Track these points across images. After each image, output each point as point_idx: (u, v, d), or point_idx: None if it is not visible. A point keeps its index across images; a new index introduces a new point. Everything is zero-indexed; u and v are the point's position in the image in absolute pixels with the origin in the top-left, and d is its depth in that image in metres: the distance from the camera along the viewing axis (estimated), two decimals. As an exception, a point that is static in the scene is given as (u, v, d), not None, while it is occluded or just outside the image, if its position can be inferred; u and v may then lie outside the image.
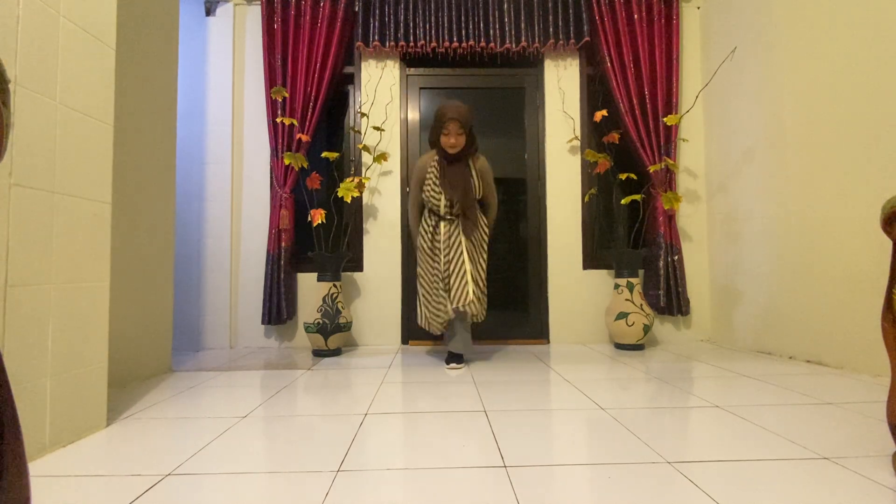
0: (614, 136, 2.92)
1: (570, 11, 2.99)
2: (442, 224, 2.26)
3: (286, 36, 2.94)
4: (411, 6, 2.96)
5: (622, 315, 2.62)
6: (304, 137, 2.87)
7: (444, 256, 2.21)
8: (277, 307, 2.84)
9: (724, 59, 2.83)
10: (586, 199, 3.04)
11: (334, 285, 2.66)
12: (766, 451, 1.15)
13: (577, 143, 3.07)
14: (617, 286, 2.71)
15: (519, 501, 0.91)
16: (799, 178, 2.30)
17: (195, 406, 1.65)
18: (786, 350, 2.38)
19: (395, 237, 3.02)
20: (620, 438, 1.25)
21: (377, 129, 2.96)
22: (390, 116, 3.04)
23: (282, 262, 2.84)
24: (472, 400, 1.66)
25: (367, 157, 2.99)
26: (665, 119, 2.86)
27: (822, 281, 2.17)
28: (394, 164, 3.03)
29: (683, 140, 3.06)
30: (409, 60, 3.12)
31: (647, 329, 2.62)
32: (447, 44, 2.95)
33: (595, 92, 3.12)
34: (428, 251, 2.28)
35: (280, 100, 2.87)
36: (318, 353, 2.65)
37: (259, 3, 3.05)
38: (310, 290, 2.97)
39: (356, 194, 2.74)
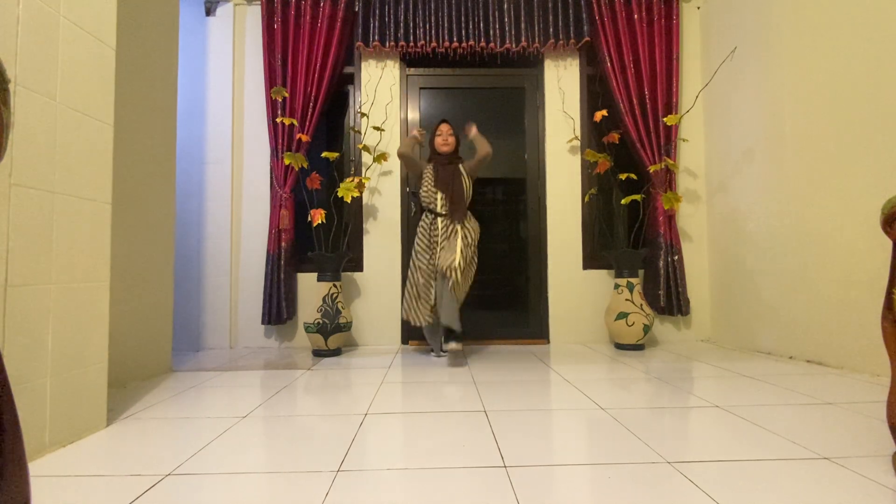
0: (614, 136, 2.92)
1: (570, 11, 2.98)
2: (439, 220, 2.46)
3: (286, 36, 2.94)
4: (411, 6, 2.96)
5: (622, 315, 2.62)
6: (304, 137, 2.87)
7: (440, 244, 2.41)
8: (277, 307, 2.84)
9: (724, 59, 2.83)
10: (586, 199, 3.04)
11: (334, 285, 2.66)
12: (766, 451, 1.15)
13: (577, 143, 3.07)
14: (617, 286, 2.71)
15: (519, 501, 0.91)
16: (799, 178, 2.30)
17: (195, 406, 1.65)
18: (786, 350, 2.38)
19: (395, 237, 3.02)
20: (620, 438, 1.25)
21: (377, 129, 2.96)
22: (390, 116, 3.04)
23: (282, 262, 2.84)
24: (471, 400, 1.66)
25: (367, 157, 2.99)
26: (665, 119, 2.86)
27: (822, 281, 2.17)
28: (394, 164, 3.03)
29: (683, 140, 3.06)
30: (409, 60, 3.12)
31: (647, 329, 2.62)
32: (447, 44, 2.95)
33: (595, 92, 3.12)
34: (425, 246, 2.45)
35: (280, 100, 2.87)
36: (318, 353, 2.65)
37: (259, 3, 3.05)
38: (310, 290, 2.97)
39: (356, 194, 2.74)
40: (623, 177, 2.86)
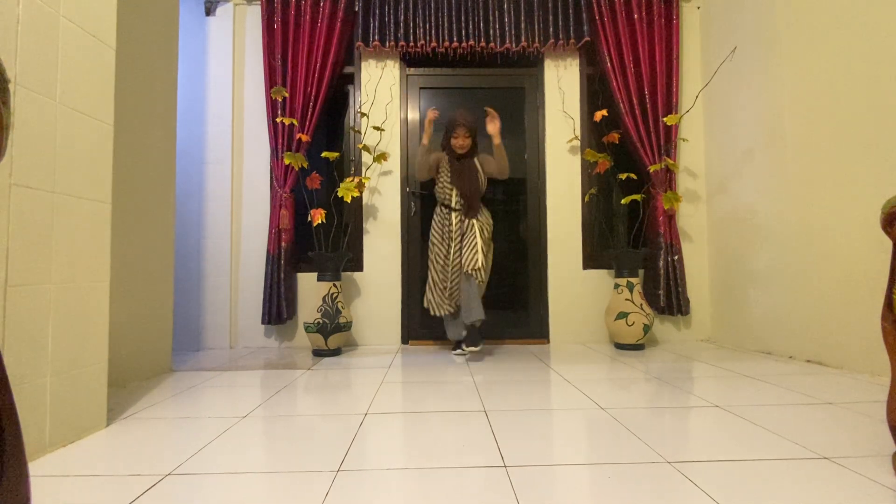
0: (614, 136, 2.92)
1: (570, 11, 2.98)
2: (453, 214, 2.53)
3: (286, 36, 2.93)
4: (411, 6, 2.96)
5: (622, 315, 2.62)
6: (304, 137, 2.87)
7: (457, 240, 2.50)
8: (277, 307, 2.84)
9: (724, 59, 2.83)
10: (586, 198, 3.04)
11: (334, 285, 2.66)
12: (766, 451, 1.15)
13: (577, 143, 3.07)
14: (617, 286, 2.71)
15: (519, 501, 0.91)
16: (799, 179, 2.30)
17: (195, 406, 1.65)
18: (786, 350, 2.38)
19: (395, 237, 3.02)
20: (620, 438, 1.25)
21: (377, 128, 2.96)
22: (390, 116, 3.04)
23: (282, 262, 2.84)
24: (472, 400, 1.66)
25: (367, 157, 2.99)
26: (665, 119, 2.86)
27: (822, 281, 2.17)
28: (394, 163, 3.03)
29: (683, 140, 3.06)
30: (409, 60, 3.12)
31: (647, 329, 2.62)
32: (447, 44, 2.95)
33: (595, 92, 3.12)
34: (439, 239, 2.55)
35: (280, 100, 2.87)
36: (318, 353, 2.65)
37: (259, 2, 3.05)
38: (310, 290, 2.97)
39: (356, 194, 2.74)
40: (623, 177, 2.86)
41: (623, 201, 2.83)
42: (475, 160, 2.56)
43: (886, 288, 1.00)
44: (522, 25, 2.98)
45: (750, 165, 2.64)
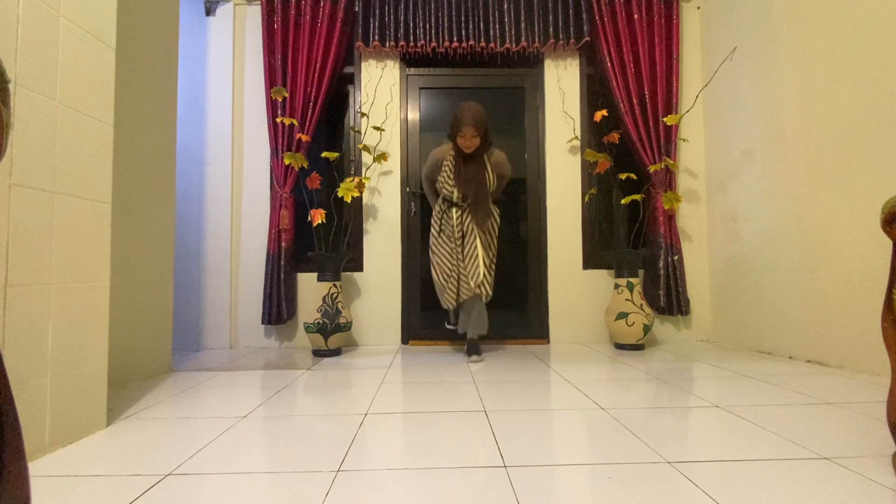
0: (614, 136, 2.92)
1: (570, 11, 2.98)
2: (454, 210, 2.47)
3: (286, 36, 2.93)
4: (411, 6, 2.96)
5: (622, 315, 2.62)
6: (304, 137, 2.87)
7: (458, 241, 2.45)
8: (277, 307, 2.84)
9: (724, 59, 2.83)
10: (586, 199, 3.04)
11: (334, 285, 2.66)
12: (766, 451, 1.15)
13: (577, 143, 3.07)
14: (617, 286, 2.71)
15: (519, 501, 0.91)
16: (799, 179, 2.30)
17: (195, 406, 1.65)
18: (786, 350, 2.38)
19: (395, 237, 3.02)
20: (620, 438, 1.25)
21: (377, 129, 2.96)
22: (390, 116, 3.04)
23: (282, 262, 2.84)
24: (472, 400, 1.66)
25: (367, 157, 2.99)
26: (665, 119, 2.86)
27: (822, 281, 2.17)
28: (394, 164, 3.03)
29: (683, 140, 3.06)
30: (409, 60, 3.12)
31: (647, 329, 2.62)
32: (447, 44, 2.95)
33: (595, 92, 3.12)
34: (437, 231, 2.52)
35: (280, 100, 2.87)
36: (318, 353, 2.65)
37: (259, 2, 3.05)
38: (310, 290, 2.97)
39: (356, 194, 2.74)
40: (623, 177, 2.86)
41: (623, 201, 2.83)
42: (485, 158, 2.41)
43: (886, 288, 1.00)
44: (522, 25, 2.98)
45: (750, 165, 2.64)
